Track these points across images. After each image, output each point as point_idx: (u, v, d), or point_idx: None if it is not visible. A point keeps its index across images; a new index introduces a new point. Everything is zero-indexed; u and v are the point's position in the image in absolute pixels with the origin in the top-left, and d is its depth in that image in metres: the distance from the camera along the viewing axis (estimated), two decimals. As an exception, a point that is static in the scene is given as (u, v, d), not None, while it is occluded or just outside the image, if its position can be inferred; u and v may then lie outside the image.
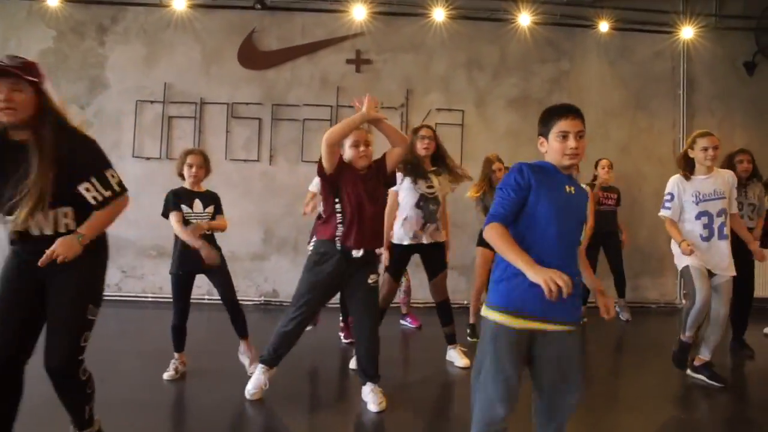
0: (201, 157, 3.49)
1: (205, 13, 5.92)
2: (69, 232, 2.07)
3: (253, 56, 6.00)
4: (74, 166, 2.06)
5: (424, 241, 3.68)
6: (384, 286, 3.61)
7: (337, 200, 2.95)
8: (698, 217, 3.33)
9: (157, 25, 5.96)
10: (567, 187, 1.88)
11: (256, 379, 3.06)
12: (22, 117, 1.99)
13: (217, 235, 3.50)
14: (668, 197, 3.43)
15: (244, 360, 3.54)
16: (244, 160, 5.95)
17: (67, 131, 2.11)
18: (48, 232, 2.06)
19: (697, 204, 3.36)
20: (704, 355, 3.45)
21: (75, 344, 2.07)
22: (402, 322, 5.03)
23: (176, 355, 3.47)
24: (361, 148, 3.01)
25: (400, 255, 3.71)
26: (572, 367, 1.84)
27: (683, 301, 6.12)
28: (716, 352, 3.50)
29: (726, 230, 3.35)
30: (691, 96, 6.31)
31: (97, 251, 2.18)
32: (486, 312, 1.86)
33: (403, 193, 3.69)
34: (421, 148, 3.69)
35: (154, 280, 5.91)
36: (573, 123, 1.87)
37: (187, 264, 3.35)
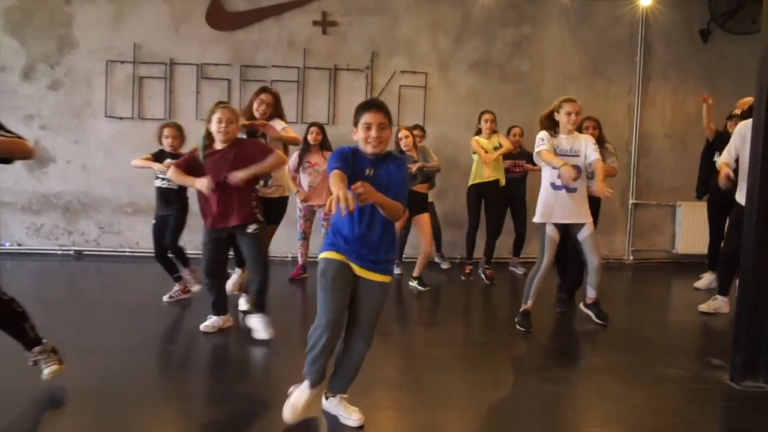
0: (176, 128, 4.26)
1: (172, -28, 5.97)
2: None
3: (221, 17, 6.08)
4: None
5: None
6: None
7: None
8: (554, 168, 3.69)
9: (124, -16, 6.00)
10: (367, 170, 2.27)
11: (210, 322, 3.63)
12: None
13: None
14: (541, 140, 3.76)
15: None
16: (214, 121, 6.12)
17: None
18: None
19: (557, 155, 3.71)
20: (591, 294, 4.00)
21: None
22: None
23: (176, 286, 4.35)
24: None
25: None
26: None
27: (630, 257, 6.61)
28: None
29: (575, 184, 3.71)
30: (648, 62, 6.54)
31: None
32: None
33: None
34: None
35: (131, 236, 6.17)
36: (375, 116, 2.26)
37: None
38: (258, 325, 3.50)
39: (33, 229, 6.10)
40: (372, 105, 2.31)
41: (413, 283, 4.94)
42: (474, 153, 5.34)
